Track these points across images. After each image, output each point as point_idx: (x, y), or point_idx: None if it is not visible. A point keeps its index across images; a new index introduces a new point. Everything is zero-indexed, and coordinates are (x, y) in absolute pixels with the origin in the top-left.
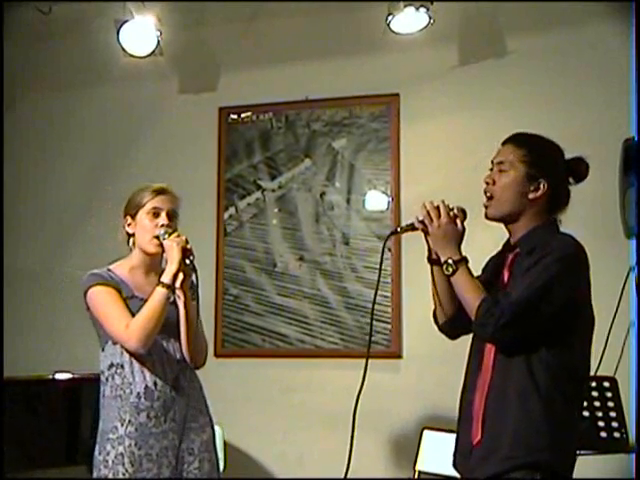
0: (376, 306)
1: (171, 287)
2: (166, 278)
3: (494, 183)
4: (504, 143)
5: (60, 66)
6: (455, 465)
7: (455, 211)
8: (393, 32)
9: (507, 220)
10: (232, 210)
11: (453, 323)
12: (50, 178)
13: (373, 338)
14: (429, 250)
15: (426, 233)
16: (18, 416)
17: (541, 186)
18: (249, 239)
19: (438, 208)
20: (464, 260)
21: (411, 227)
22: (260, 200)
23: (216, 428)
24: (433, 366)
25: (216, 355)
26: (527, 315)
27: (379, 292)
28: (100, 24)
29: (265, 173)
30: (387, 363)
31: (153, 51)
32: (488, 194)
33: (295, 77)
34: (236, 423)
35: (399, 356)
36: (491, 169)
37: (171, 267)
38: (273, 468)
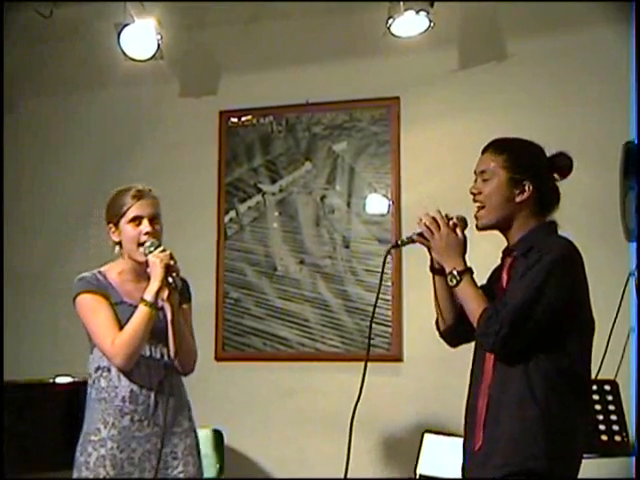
0: (377, 309)
1: (154, 305)
2: (148, 296)
3: (480, 193)
4: (483, 151)
5: (61, 70)
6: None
7: (455, 220)
8: (393, 35)
9: (500, 227)
10: (232, 213)
11: (453, 331)
12: (51, 181)
13: (373, 341)
14: (431, 260)
15: (428, 246)
16: (18, 420)
17: (526, 188)
18: (250, 242)
19: (436, 219)
20: (468, 271)
21: (411, 241)
22: (260, 203)
23: (218, 429)
24: (433, 369)
25: (217, 359)
26: (525, 321)
27: (380, 295)
28: (100, 27)
29: (265, 176)
30: (387, 366)
31: (154, 55)
32: (477, 204)
33: (295, 80)
34: (236, 426)
35: (399, 359)
36: (475, 180)
37: (153, 285)
38: (273, 471)
